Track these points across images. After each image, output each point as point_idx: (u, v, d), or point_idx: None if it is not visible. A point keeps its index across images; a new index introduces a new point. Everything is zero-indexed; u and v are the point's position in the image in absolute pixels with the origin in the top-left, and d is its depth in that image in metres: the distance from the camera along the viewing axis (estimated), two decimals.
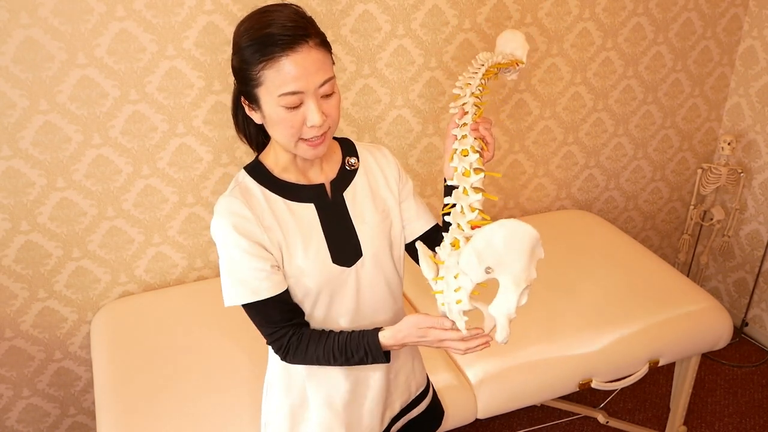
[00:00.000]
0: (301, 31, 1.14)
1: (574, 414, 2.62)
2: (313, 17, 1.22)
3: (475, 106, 1.34)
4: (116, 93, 2.04)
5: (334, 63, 1.22)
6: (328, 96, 1.19)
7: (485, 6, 2.37)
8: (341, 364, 1.29)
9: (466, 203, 1.19)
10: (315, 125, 1.17)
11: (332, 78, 1.18)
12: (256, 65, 1.15)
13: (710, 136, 3.03)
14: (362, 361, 1.28)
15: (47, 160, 2.05)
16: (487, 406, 1.95)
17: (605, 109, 2.76)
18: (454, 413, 1.90)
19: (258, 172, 1.29)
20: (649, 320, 2.15)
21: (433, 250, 1.31)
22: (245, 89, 1.20)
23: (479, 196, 1.20)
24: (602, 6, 2.54)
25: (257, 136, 1.34)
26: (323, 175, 1.33)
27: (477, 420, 1.98)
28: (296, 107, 1.17)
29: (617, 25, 2.60)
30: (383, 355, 1.26)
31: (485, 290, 1.14)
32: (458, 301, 1.12)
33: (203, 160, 2.23)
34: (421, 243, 1.24)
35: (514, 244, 1.06)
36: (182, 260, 2.36)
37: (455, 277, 1.12)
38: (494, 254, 1.07)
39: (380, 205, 1.36)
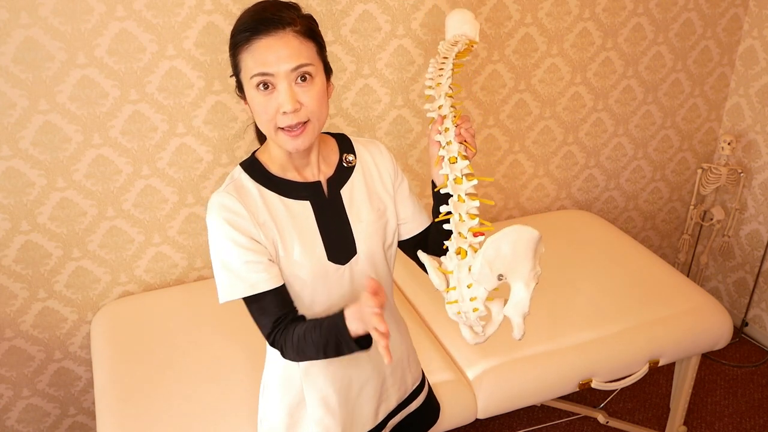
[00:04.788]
0: (282, 19, 1.16)
1: (574, 414, 2.62)
2: (313, 15, 1.23)
3: (452, 107, 1.33)
4: (116, 93, 2.04)
5: (324, 60, 1.23)
6: (305, 84, 1.18)
7: (485, 6, 2.37)
8: (320, 355, 1.22)
9: (463, 211, 1.20)
10: (287, 111, 1.17)
11: (308, 65, 1.18)
12: (236, 51, 1.19)
13: (710, 136, 3.03)
14: (337, 349, 1.20)
15: (47, 160, 2.05)
16: (487, 406, 1.95)
17: (605, 109, 2.76)
18: (454, 413, 1.90)
19: (254, 168, 1.29)
20: (649, 320, 2.15)
21: (428, 246, 1.34)
22: (236, 79, 1.23)
23: (476, 202, 1.21)
24: (602, 6, 2.54)
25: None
26: (320, 173, 1.32)
27: (477, 420, 1.98)
28: (269, 92, 1.17)
29: (617, 25, 2.60)
30: (348, 335, 1.16)
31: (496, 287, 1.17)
32: (475, 309, 1.15)
33: (203, 160, 2.23)
34: (426, 255, 1.24)
35: (520, 248, 1.10)
36: (182, 260, 2.36)
37: (469, 287, 1.15)
38: (504, 261, 1.11)
39: (376, 203, 1.36)
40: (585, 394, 2.72)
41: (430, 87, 1.38)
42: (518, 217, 2.83)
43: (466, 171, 1.25)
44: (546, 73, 2.58)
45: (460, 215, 1.21)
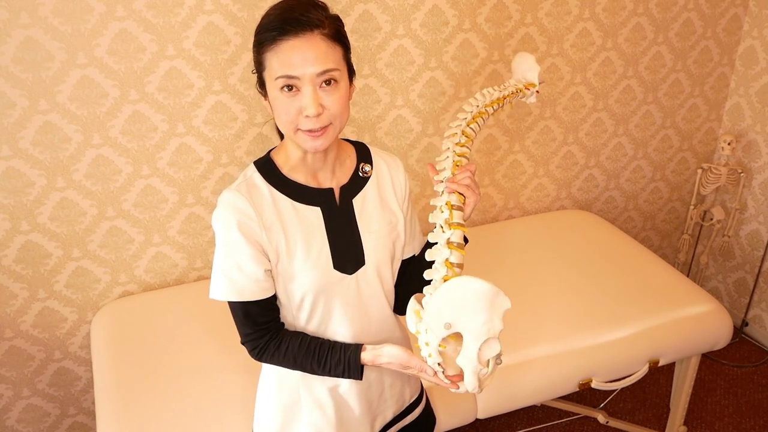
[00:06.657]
0: (311, 21, 1.15)
1: (574, 414, 2.62)
2: (340, 16, 1.22)
3: (458, 155, 1.36)
4: (116, 93, 2.04)
5: (349, 62, 1.22)
6: (329, 88, 1.17)
7: (485, 6, 2.37)
8: (314, 373, 1.30)
9: (440, 259, 1.20)
10: (309, 115, 1.16)
11: (334, 70, 1.17)
12: (261, 49, 1.17)
13: (710, 136, 3.03)
14: (338, 375, 1.29)
15: (47, 160, 2.05)
16: (487, 406, 1.95)
17: (605, 109, 2.76)
18: (454, 413, 1.90)
19: (267, 169, 1.28)
20: (649, 320, 2.15)
21: (404, 275, 1.40)
22: (258, 75, 1.22)
23: (448, 250, 1.20)
24: (602, 6, 2.54)
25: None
26: (334, 179, 1.31)
27: (477, 420, 1.98)
28: (293, 94, 1.16)
29: (617, 25, 2.60)
30: (360, 374, 1.27)
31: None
32: (429, 355, 1.14)
33: (203, 160, 2.23)
34: (413, 298, 1.23)
35: (468, 300, 1.09)
36: (182, 260, 2.36)
37: (426, 332, 1.14)
38: (451, 311, 1.09)
39: (388, 215, 1.35)
40: (585, 394, 2.72)
41: (446, 136, 1.41)
42: (518, 217, 2.83)
43: (452, 220, 1.25)
44: (546, 73, 2.58)
45: (438, 263, 1.21)
